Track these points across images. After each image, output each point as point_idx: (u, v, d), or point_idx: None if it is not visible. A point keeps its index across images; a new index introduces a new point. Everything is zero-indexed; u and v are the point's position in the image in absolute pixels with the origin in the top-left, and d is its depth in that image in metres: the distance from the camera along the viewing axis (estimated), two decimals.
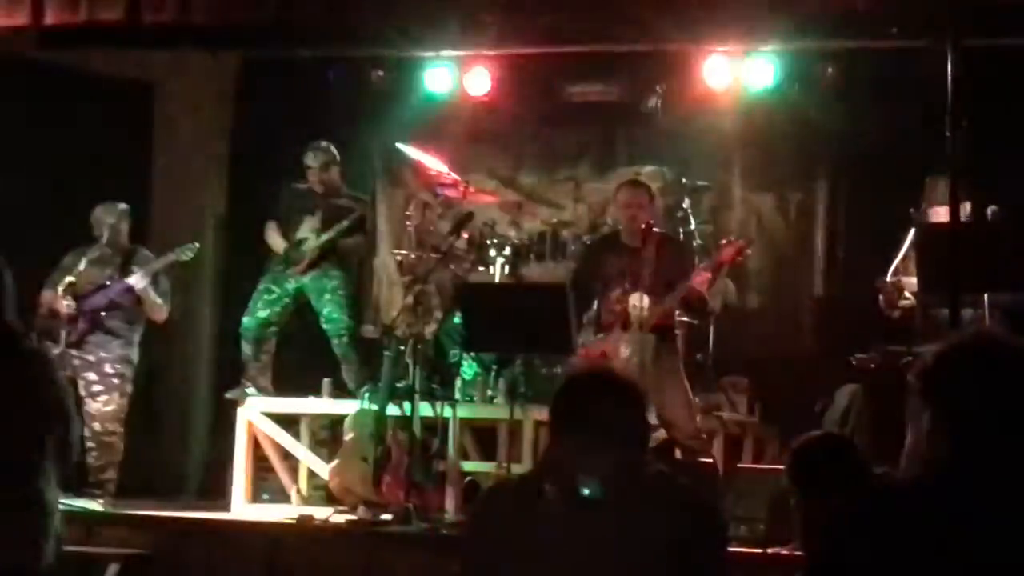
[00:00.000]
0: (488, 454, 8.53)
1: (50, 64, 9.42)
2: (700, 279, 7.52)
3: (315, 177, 8.84)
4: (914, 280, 7.25)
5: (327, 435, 8.92)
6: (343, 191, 8.99)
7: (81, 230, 8.56)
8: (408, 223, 9.31)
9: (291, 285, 8.75)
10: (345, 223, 8.66)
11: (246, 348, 8.77)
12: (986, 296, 6.87)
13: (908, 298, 7.39)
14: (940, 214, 7.10)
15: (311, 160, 8.85)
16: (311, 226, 8.79)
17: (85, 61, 9.65)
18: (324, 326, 8.72)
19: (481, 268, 8.95)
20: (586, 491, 3.22)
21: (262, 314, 8.73)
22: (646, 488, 3.30)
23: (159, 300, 8.45)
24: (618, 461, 3.28)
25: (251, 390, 8.66)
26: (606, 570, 3.22)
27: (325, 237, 8.68)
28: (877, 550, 2.68)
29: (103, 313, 8.33)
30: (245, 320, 8.78)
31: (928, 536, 2.66)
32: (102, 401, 8.30)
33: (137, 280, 8.36)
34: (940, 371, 2.77)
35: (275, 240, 8.86)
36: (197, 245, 8.64)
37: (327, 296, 8.71)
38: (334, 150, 8.93)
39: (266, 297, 8.76)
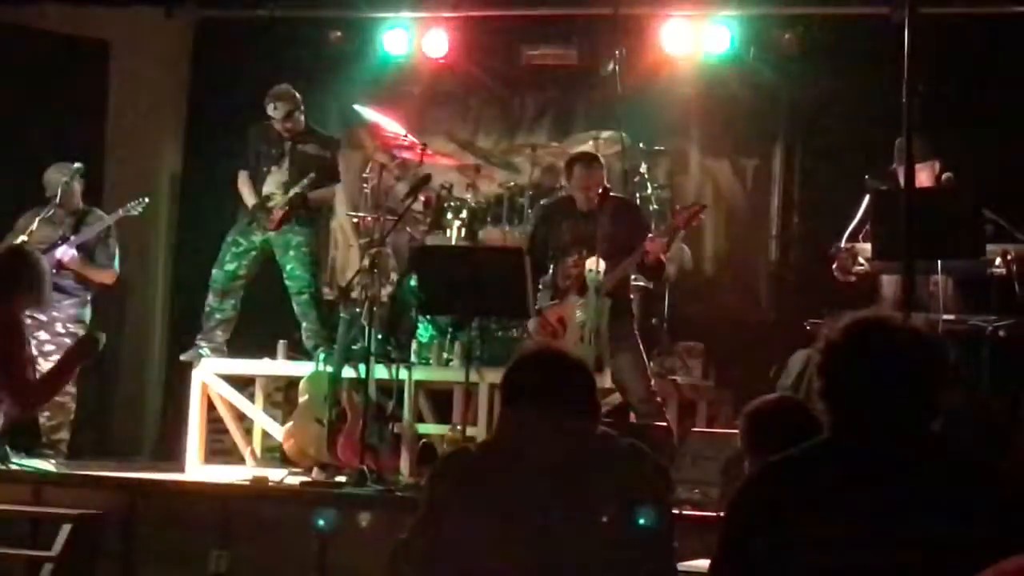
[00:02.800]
0: (443, 417, 8.53)
1: (4, 22, 9.34)
2: (656, 245, 7.52)
3: (279, 127, 8.72)
4: (868, 246, 7.29)
5: (281, 397, 8.90)
6: (311, 135, 8.85)
7: (36, 191, 8.50)
8: (365, 185, 9.28)
9: (258, 238, 8.69)
10: (305, 182, 8.58)
11: (212, 299, 8.69)
12: (939, 263, 6.93)
13: (862, 264, 7.44)
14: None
15: (272, 111, 8.71)
16: (278, 180, 8.68)
17: (39, 19, 9.56)
18: (286, 282, 8.67)
19: (438, 231, 8.94)
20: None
21: (230, 267, 8.66)
22: (593, 454, 3.37)
23: (95, 271, 8.40)
24: (566, 431, 3.36)
25: (205, 351, 8.62)
26: (559, 535, 3.26)
27: (291, 193, 8.59)
28: (763, 514, 2.94)
29: (54, 272, 8.27)
30: (215, 272, 8.71)
31: (804, 501, 2.90)
32: (54, 360, 8.24)
33: (63, 252, 8.28)
34: (828, 353, 3.04)
35: (246, 192, 8.77)
36: (147, 200, 8.58)
37: (291, 252, 8.65)
38: (296, 96, 8.77)
39: (234, 250, 8.70)
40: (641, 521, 3.31)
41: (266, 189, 8.68)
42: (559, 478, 3.31)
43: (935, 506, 2.84)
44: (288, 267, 8.63)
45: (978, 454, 2.97)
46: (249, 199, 8.72)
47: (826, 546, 2.83)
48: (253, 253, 8.69)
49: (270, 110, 8.69)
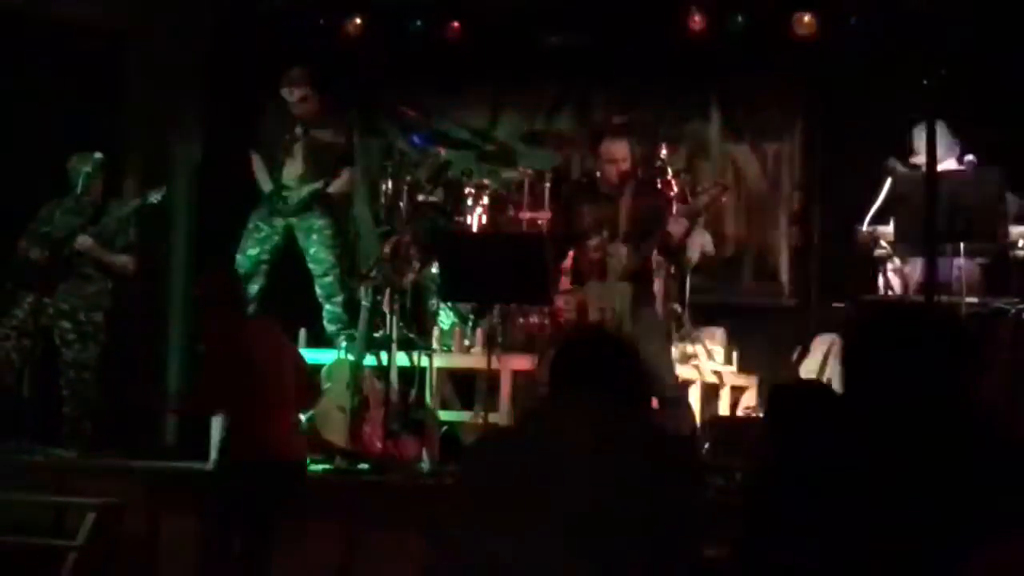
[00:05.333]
0: (466, 403, 8.54)
1: (23, 13, 9.35)
2: (677, 226, 7.51)
3: (295, 111, 8.73)
4: (890, 229, 7.27)
5: None
6: (326, 119, 8.83)
7: (56, 180, 8.52)
8: (386, 172, 9.27)
9: (279, 223, 8.71)
10: (321, 182, 8.57)
11: None
12: (962, 245, 6.90)
13: (884, 247, 7.41)
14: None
15: (287, 95, 8.71)
16: (294, 171, 8.68)
17: (57, 10, 9.56)
18: (310, 265, 8.67)
19: (458, 218, 8.93)
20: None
21: (252, 252, 8.67)
22: (632, 441, 3.35)
23: (114, 258, 8.40)
24: (608, 416, 3.34)
25: None
26: (593, 519, 3.24)
27: (307, 191, 8.59)
28: (784, 498, 2.95)
29: (75, 261, 8.29)
30: (238, 258, 8.73)
31: (827, 486, 2.90)
32: (76, 349, 8.27)
33: (81, 241, 8.29)
34: (851, 341, 3.06)
35: (261, 177, 8.77)
36: (165, 188, 8.57)
37: (314, 236, 8.67)
38: (310, 78, 8.76)
39: (256, 235, 8.72)
40: (676, 511, 3.29)
41: (283, 179, 8.68)
42: (596, 464, 3.29)
43: (961, 489, 2.82)
44: (312, 250, 8.64)
45: (1008, 434, 2.95)
46: (265, 184, 8.73)
47: (849, 531, 2.82)
48: (275, 238, 8.70)
49: (285, 94, 8.69)
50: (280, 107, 8.75)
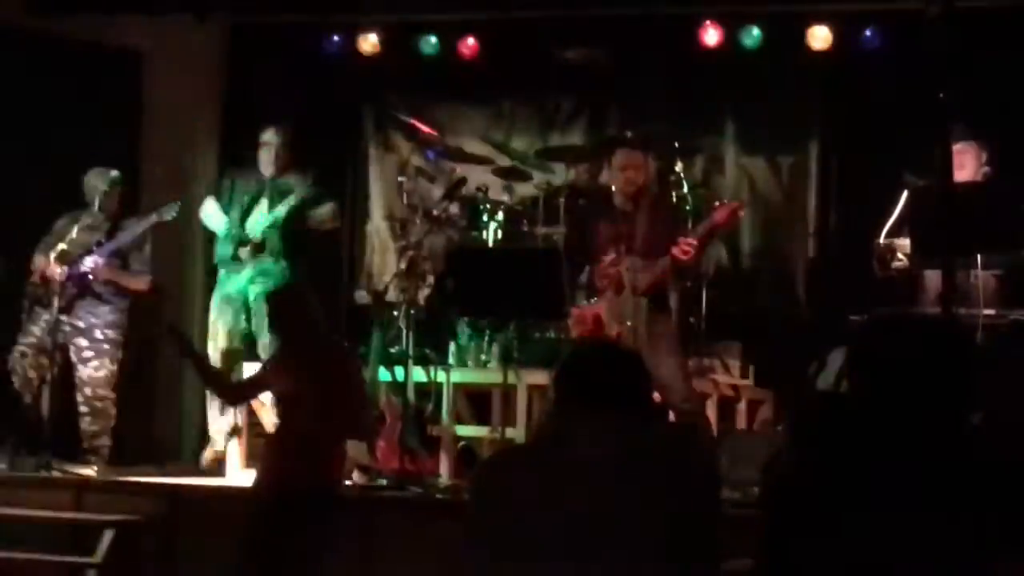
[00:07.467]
0: (482, 419, 8.54)
1: (39, 31, 9.39)
2: (684, 246, 7.44)
3: (269, 155, 8.66)
4: (907, 242, 7.25)
5: None
6: (290, 172, 8.71)
7: (72, 197, 8.53)
8: (401, 188, 9.29)
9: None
10: (292, 200, 8.49)
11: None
12: (979, 257, 6.88)
13: (901, 260, 7.39)
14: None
15: (271, 137, 8.65)
16: (261, 209, 8.62)
17: (74, 28, 9.60)
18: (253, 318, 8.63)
19: (474, 233, 8.94)
20: None
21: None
22: (647, 451, 3.34)
23: (129, 276, 8.39)
24: (620, 427, 3.33)
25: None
26: (608, 533, 3.24)
27: (278, 214, 8.51)
28: (800, 510, 2.96)
29: (92, 278, 8.30)
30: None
31: (839, 497, 2.92)
32: (93, 367, 8.29)
33: (92, 260, 8.27)
34: (850, 354, 3.11)
35: (217, 219, 8.69)
36: (179, 204, 8.56)
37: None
38: (290, 130, 8.75)
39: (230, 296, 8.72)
40: (694, 522, 3.28)
41: (248, 228, 8.59)
42: (611, 475, 3.28)
43: (978, 504, 2.81)
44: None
45: (1007, 453, 2.94)
46: (219, 226, 8.67)
47: (870, 545, 2.81)
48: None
49: (268, 135, 8.64)
50: (243, 165, 8.75)
